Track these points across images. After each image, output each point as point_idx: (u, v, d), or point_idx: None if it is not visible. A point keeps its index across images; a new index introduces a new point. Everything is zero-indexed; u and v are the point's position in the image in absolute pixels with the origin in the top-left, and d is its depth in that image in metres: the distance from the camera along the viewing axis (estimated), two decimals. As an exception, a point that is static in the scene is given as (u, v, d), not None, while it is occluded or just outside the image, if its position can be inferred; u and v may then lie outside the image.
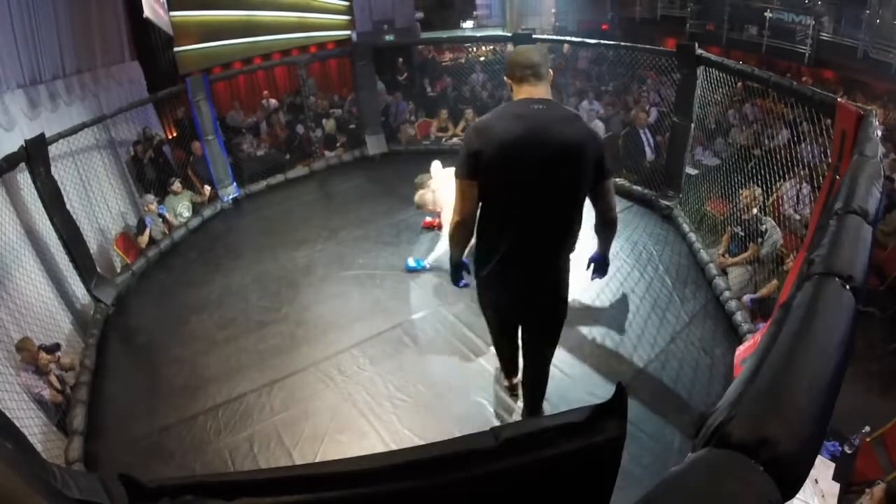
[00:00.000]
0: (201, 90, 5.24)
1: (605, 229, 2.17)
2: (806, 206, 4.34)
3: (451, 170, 3.23)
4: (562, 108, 1.82)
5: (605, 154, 1.83)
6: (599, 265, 2.43)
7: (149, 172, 5.52)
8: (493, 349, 3.23)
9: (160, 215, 4.96)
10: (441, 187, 3.74)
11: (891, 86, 7.93)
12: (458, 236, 1.99)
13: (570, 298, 3.61)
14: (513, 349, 2.52)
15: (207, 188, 5.57)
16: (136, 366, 3.46)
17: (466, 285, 2.27)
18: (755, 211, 3.81)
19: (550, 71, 1.88)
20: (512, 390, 2.82)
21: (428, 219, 4.53)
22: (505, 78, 1.92)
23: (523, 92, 1.84)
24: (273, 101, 8.02)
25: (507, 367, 2.73)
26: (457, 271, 2.20)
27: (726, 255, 3.94)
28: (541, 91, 1.83)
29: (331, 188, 5.82)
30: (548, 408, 2.71)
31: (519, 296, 2.04)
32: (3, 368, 2.86)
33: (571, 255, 2.08)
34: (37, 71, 4.71)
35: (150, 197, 5.03)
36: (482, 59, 10.04)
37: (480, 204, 1.88)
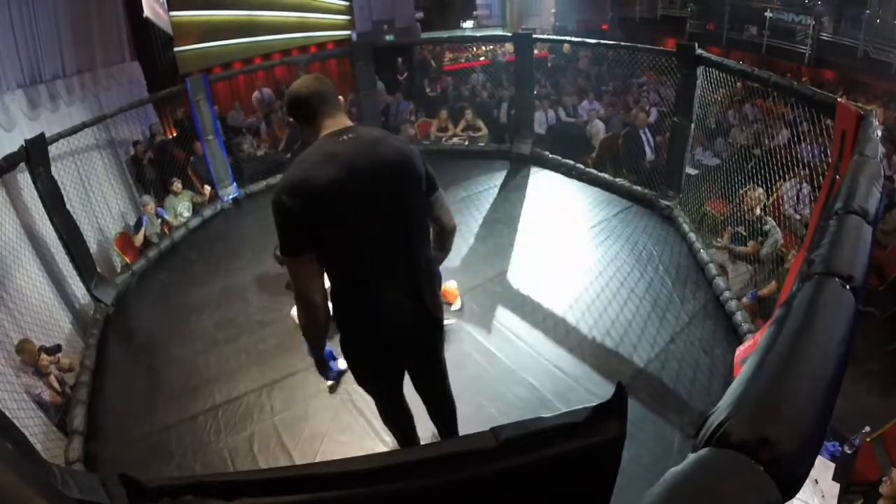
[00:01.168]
0: (201, 90, 5.24)
1: (447, 241, 1.90)
2: (806, 206, 4.35)
3: None
4: (369, 129, 1.65)
5: (426, 164, 1.69)
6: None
7: (148, 173, 5.51)
8: (497, 350, 3.23)
9: (159, 216, 4.97)
10: None
11: (891, 86, 7.93)
12: (316, 324, 1.67)
13: (570, 298, 3.67)
14: (407, 413, 2.18)
15: (207, 188, 5.57)
16: (136, 366, 3.46)
17: (340, 372, 1.94)
18: (758, 211, 3.81)
19: (340, 97, 1.70)
20: None
21: None
22: (292, 120, 1.70)
23: (324, 127, 1.60)
24: (267, 90, 8.01)
25: (409, 437, 2.27)
26: (324, 363, 1.88)
27: (726, 254, 3.94)
28: (341, 120, 1.63)
29: (331, 188, 5.82)
30: (548, 408, 2.71)
31: (404, 336, 1.78)
32: (3, 368, 2.86)
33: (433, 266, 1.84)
34: (37, 71, 4.72)
35: (147, 198, 5.03)
36: (482, 58, 10.06)
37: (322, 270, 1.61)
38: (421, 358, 2.00)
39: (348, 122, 1.63)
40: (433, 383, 2.13)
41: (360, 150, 1.54)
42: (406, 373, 2.05)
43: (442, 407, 2.21)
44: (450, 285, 3.69)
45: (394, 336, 1.74)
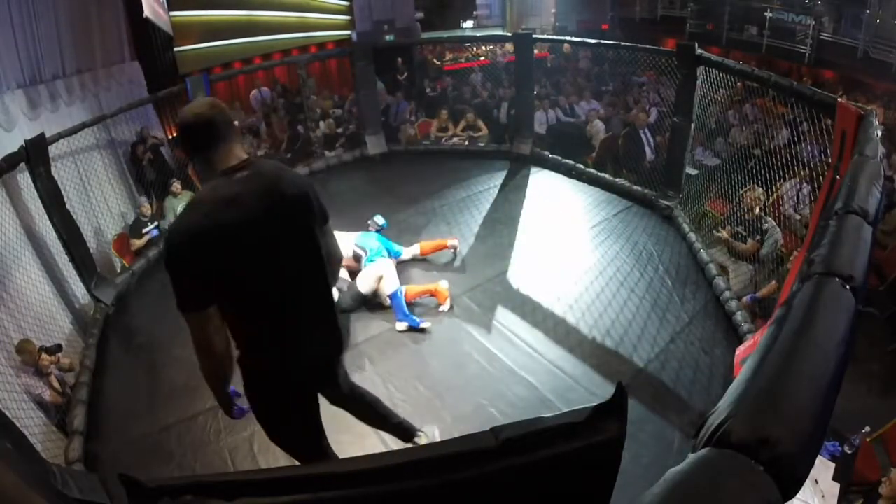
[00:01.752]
0: (201, 90, 5.24)
1: (336, 272, 1.90)
2: (806, 206, 4.34)
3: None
4: (266, 164, 1.58)
5: (318, 196, 1.69)
6: None
7: (148, 173, 5.51)
8: (497, 350, 3.24)
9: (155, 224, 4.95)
10: None
11: (891, 86, 7.93)
12: (221, 371, 1.62)
13: (570, 298, 3.67)
14: (325, 440, 2.06)
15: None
16: (136, 366, 3.46)
17: (243, 411, 1.82)
18: (757, 211, 3.82)
19: (237, 122, 1.63)
20: None
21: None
22: (184, 153, 1.63)
23: (219, 162, 1.48)
24: (266, 90, 8.01)
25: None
26: (230, 402, 1.77)
27: (726, 254, 3.94)
28: (237, 152, 1.51)
29: (331, 188, 5.82)
30: (548, 408, 2.71)
31: (321, 367, 1.81)
32: (3, 368, 2.86)
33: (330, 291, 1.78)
34: (37, 71, 4.72)
35: (144, 199, 5.03)
36: (482, 58, 10.06)
37: (227, 320, 1.54)
38: (333, 381, 1.98)
39: (244, 155, 1.53)
40: (353, 398, 2.13)
41: (261, 189, 1.47)
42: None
43: (362, 403, 2.19)
44: (442, 285, 3.67)
45: (312, 368, 1.73)
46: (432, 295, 3.66)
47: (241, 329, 1.58)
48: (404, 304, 3.48)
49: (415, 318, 3.47)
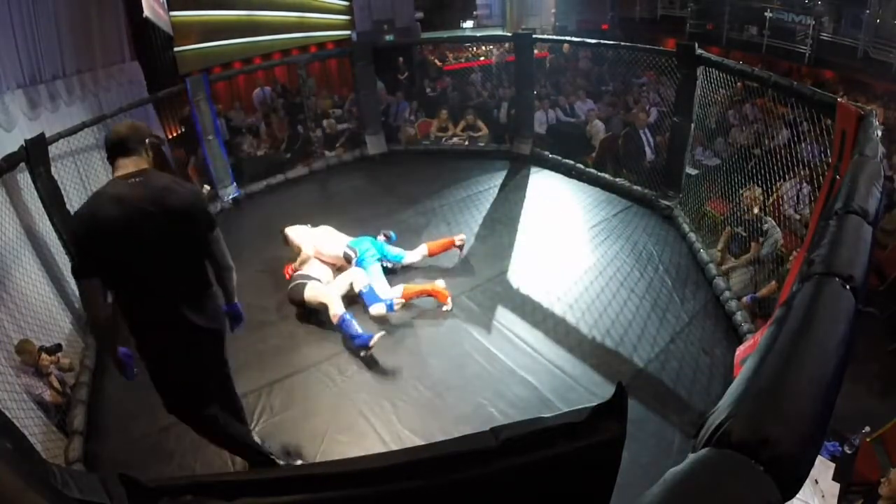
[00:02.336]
0: (201, 90, 5.24)
1: (225, 278, 2.16)
2: (806, 206, 4.34)
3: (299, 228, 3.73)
4: (161, 177, 1.91)
5: (207, 207, 2.02)
6: (233, 317, 2.34)
7: None
8: (497, 350, 3.24)
9: None
10: (303, 242, 3.94)
11: (891, 86, 7.93)
12: (100, 333, 2.08)
13: (570, 298, 3.67)
14: (224, 420, 2.26)
15: (206, 187, 5.55)
16: (137, 366, 3.45)
17: (134, 374, 2.12)
18: (756, 210, 3.82)
19: (147, 140, 1.98)
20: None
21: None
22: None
23: (119, 169, 1.89)
24: (268, 89, 8.01)
25: (240, 445, 2.38)
26: (121, 364, 2.07)
27: (726, 254, 3.94)
28: (134, 164, 1.90)
29: (331, 188, 5.82)
30: (548, 408, 2.71)
31: (187, 344, 2.03)
32: (3, 368, 2.86)
33: (214, 288, 2.13)
34: (37, 71, 4.71)
35: None
36: (482, 58, 10.05)
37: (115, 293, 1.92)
38: (206, 362, 2.18)
39: (143, 167, 1.91)
40: (218, 383, 2.32)
41: (146, 195, 1.82)
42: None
43: (228, 406, 2.35)
44: (439, 285, 3.66)
45: (177, 344, 2.00)
46: (430, 295, 3.65)
47: (122, 301, 1.93)
48: (352, 327, 3.29)
49: (363, 335, 3.24)
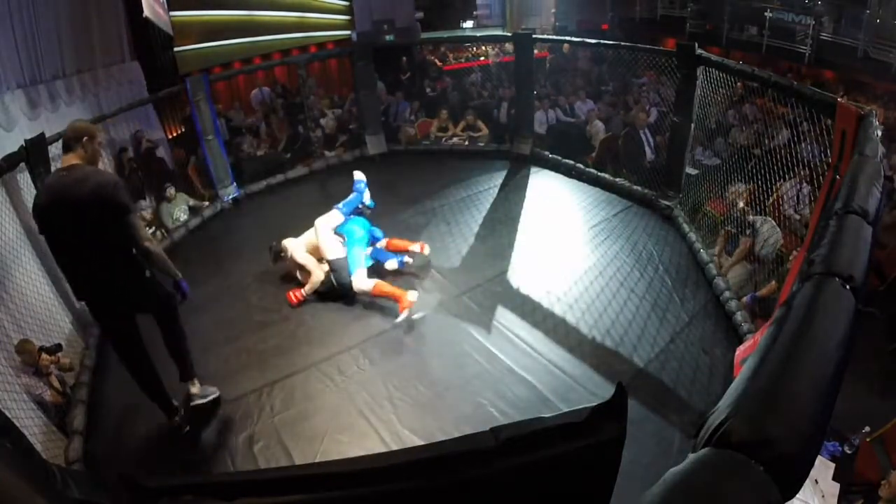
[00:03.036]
0: (201, 90, 5.24)
1: (148, 257, 2.50)
2: (806, 206, 4.34)
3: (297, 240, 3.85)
4: (79, 171, 2.32)
5: (120, 196, 2.32)
6: (177, 290, 2.72)
7: (133, 181, 5.26)
8: (497, 350, 3.24)
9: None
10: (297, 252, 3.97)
11: (891, 86, 7.93)
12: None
13: (570, 298, 3.67)
14: (138, 358, 2.75)
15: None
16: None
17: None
18: (741, 205, 3.82)
19: (86, 138, 2.39)
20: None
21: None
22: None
23: (61, 163, 2.40)
24: (266, 89, 8.01)
25: (143, 379, 2.79)
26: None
27: (723, 255, 3.95)
28: (69, 159, 2.36)
29: (331, 188, 5.82)
30: (548, 408, 2.71)
31: (110, 297, 2.52)
32: (3, 368, 2.85)
33: (133, 257, 2.49)
34: (37, 71, 4.71)
35: (144, 203, 5.00)
36: (482, 58, 10.05)
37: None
38: (133, 308, 2.67)
39: (74, 163, 2.35)
40: (159, 323, 2.81)
41: (63, 186, 2.27)
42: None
43: (169, 338, 2.85)
44: (410, 296, 3.50)
45: (103, 297, 2.52)
46: (396, 300, 3.53)
47: (61, 263, 2.48)
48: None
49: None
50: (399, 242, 4.15)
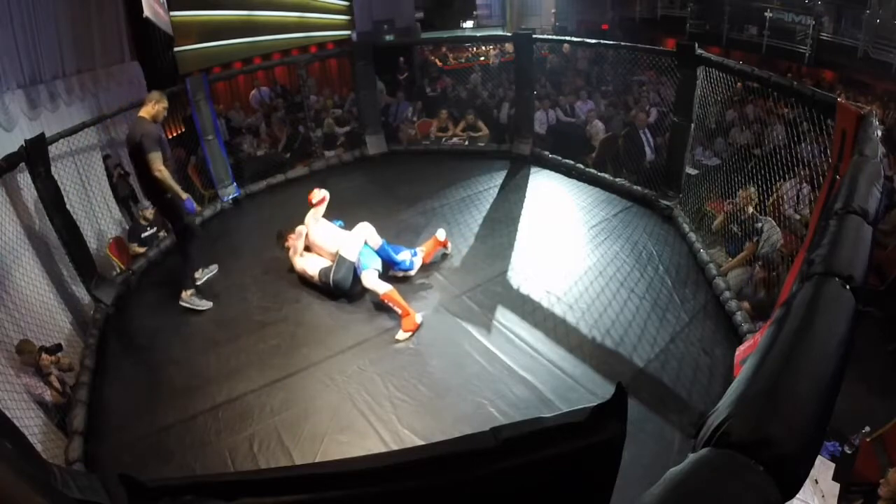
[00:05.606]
0: (201, 90, 5.24)
1: (156, 183, 3.58)
2: (806, 206, 4.35)
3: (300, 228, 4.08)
4: (137, 121, 3.60)
5: (143, 142, 3.45)
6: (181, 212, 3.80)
7: (121, 189, 5.27)
8: (497, 350, 3.24)
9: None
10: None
11: (891, 86, 7.93)
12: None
13: (570, 298, 3.67)
14: None
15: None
16: (136, 366, 3.46)
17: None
18: (751, 210, 3.82)
19: (153, 101, 3.61)
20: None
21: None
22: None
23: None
24: (265, 90, 8.00)
25: None
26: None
27: (724, 253, 3.95)
28: (141, 112, 3.60)
29: (331, 188, 5.80)
30: (548, 408, 2.71)
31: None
32: (3, 368, 2.86)
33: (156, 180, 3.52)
34: (37, 71, 4.71)
35: (147, 202, 4.98)
36: (482, 58, 10.05)
37: None
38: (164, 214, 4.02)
39: (141, 115, 3.57)
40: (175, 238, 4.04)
41: (129, 128, 3.65)
42: None
43: (179, 254, 3.99)
44: (417, 318, 3.46)
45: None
46: (401, 315, 3.48)
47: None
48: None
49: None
50: (430, 247, 4.11)
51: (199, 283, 4.03)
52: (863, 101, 7.21)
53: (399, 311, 3.49)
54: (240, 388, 3.11)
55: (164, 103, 3.66)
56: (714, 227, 4.09)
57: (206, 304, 3.85)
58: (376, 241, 3.84)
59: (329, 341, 3.42)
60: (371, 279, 3.63)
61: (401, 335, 3.39)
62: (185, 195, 3.63)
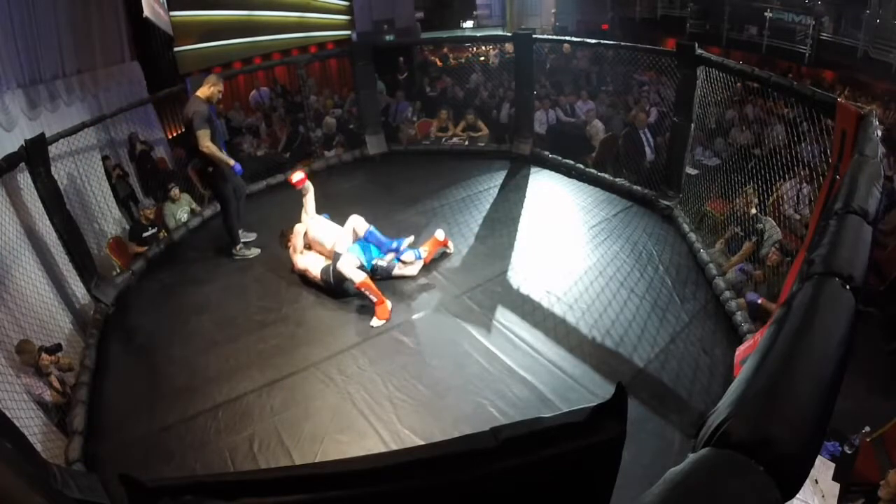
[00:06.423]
0: (201, 90, 5.23)
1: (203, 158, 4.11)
2: (806, 206, 4.35)
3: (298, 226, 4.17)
4: (192, 100, 3.96)
5: (193, 119, 3.83)
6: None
7: (120, 190, 5.28)
8: (497, 350, 3.24)
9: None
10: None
11: (891, 86, 7.93)
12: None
13: (570, 298, 3.67)
14: None
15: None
16: (136, 366, 3.46)
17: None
18: (753, 211, 3.82)
19: (209, 84, 3.98)
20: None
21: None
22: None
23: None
24: (265, 90, 8.00)
25: None
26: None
27: (726, 252, 3.95)
28: (198, 92, 3.96)
29: (331, 188, 5.81)
30: (548, 408, 2.71)
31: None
32: (3, 368, 2.86)
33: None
34: (37, 71, 4.71)
35: (149, 202, 4.98)
36: (482, 58, 10.04)
37: None
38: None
39: (197, 94, 3.94)
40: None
41: (186, 106, 3.97)
42: None
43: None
44: (388, 305, 3.59)
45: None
46: (375, 302, 3.58)
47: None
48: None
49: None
50: (431, 246, 4.14)
51: (243, 240, 4.49)
52: (863, 101, 7.21)
53: (374, 300, 3.60)
54: (240, 388, 3.11)
55: (220, 87, 4.05)
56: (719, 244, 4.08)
57: (255, 251, 4.42)
58: (363, 227, 3.87)
59: (329, 341, 3.42)
60: (348, 265, 3.67)
61: (374, 322, 3.53)
62: (231, 161, 4.06)
